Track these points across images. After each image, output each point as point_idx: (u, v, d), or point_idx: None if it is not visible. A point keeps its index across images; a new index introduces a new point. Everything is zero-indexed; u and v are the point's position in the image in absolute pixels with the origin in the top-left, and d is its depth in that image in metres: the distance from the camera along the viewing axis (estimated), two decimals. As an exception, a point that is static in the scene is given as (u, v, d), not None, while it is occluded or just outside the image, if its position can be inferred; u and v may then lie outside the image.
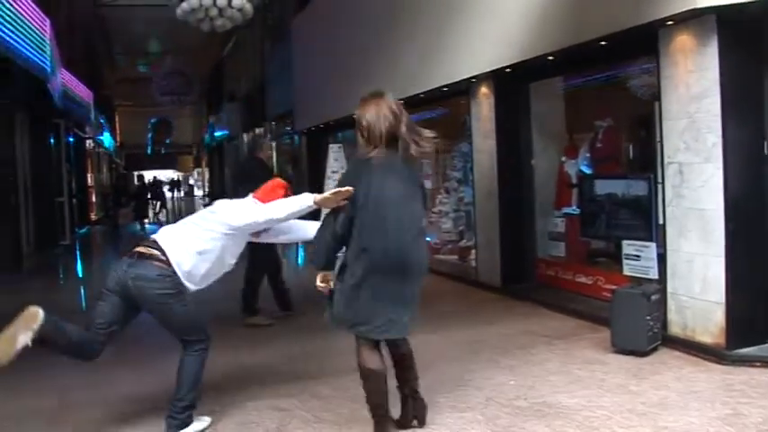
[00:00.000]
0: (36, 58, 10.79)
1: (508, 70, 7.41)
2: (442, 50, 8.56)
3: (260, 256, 6.98)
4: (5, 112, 11.22)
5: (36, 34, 10.81)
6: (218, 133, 33.88)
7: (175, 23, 14.41)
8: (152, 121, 47.07)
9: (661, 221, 5.65)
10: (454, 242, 10.16)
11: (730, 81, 5.02)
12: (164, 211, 28.49)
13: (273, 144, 20.19)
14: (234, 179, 8.24)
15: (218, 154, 36.96)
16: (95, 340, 3.97)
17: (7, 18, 8.89)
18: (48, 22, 11.97)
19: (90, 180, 24.56)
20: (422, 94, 9.23)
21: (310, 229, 4.19)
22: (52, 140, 16.19)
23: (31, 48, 10.45)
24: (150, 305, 4.00)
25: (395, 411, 4.00)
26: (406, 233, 3.70)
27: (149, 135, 48.70)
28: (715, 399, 4.40)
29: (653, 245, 5.73)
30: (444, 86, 8.71)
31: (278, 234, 4.43)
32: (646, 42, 5.62)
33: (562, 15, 6.36)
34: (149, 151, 50.20)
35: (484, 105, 8.25)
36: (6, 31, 8.83)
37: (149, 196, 25.05)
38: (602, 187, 6.32)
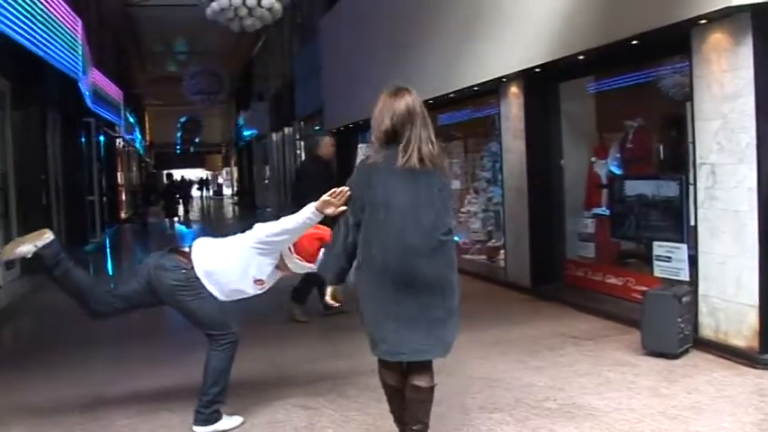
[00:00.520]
0: (68, 59, 10.92)
1: (538, 70, 7.36)
2: (471, 50, 8.52)
3: None
4: (37, 112, 11.35)
5: (68, 34, 10.94)
6: (246, 132, 34.12)
7: (205, 23, 14.53)
8: (181, 119, 47.45)
9: (692, 223, 5.58)
10: (483, 242, 10.12)
11: (765, 80, 4.93)
12: (187, 209, 28.61)
13: (302, 144, 20.24)
14: (296, 181, 8.40)
15: (248, 153, 37.24)
16: (104, 301, 4.23)
17: (40, 18, 9.00)
18: (79, 23, 12.11)
19: (120, 179, 24.88)
20: (452, 93, 9.21)
21: None
22: (83, 139, 16.43)
23: (64, 48, 10.58)
24: (166, 296, 4.18)
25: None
26: (411, 243, 3.27)
27: (178, 134, 49.14)
28: (748, 403, 4.33)
29: (684, 246, 5.68)
30: (474, 86, 8.67)
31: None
32: (677, 41, 5.55)
33: (592, 15, 6.31)
34: (178, 150, 50.69)
35: (513, 105, 8.21)
36: (39, 31, 8.94)
37: (178, 195, 25.28)
38: (633, 188, 6.26)
